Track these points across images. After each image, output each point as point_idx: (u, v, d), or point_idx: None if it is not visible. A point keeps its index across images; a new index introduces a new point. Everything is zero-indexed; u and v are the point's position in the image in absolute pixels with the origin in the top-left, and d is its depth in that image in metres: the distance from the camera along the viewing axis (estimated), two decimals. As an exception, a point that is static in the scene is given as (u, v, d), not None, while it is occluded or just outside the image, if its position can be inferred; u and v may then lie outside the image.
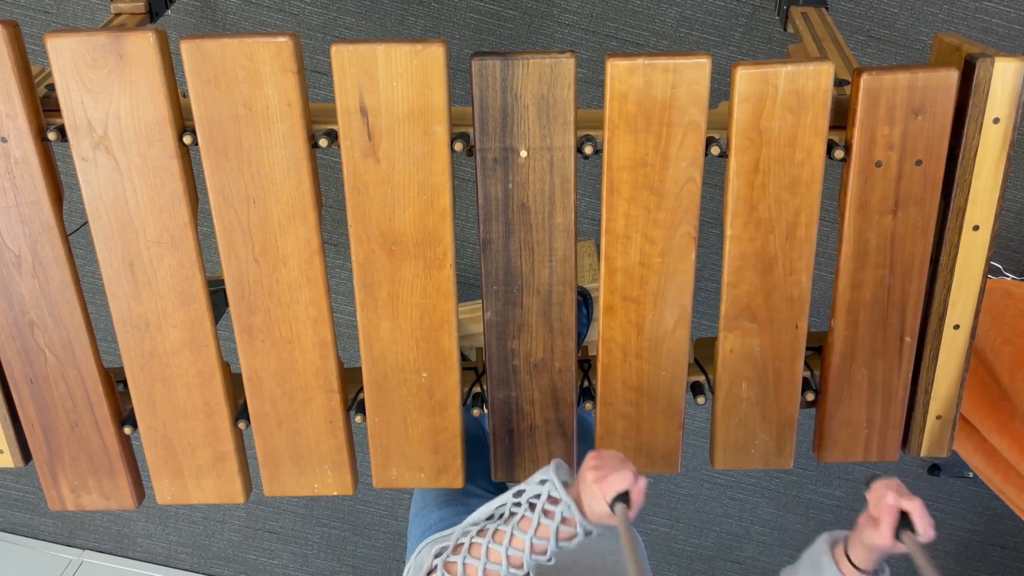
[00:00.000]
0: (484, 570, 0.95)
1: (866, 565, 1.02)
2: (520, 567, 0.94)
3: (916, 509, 0.94)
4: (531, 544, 0.93)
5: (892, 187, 1.13)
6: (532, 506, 0.97)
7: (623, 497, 0.90)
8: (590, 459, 0.95)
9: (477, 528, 0.99)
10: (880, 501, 0.95)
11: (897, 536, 0.95)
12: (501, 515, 1.00)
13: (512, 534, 0.94)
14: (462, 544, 0.98)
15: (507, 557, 0.93)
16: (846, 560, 1.03)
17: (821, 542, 1.06)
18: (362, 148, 1.11)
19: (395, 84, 1.08)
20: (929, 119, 1.09)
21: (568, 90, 1.08)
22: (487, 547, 0.95)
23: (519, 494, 0.98)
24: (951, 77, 1.07)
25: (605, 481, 0.91)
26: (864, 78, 1.07)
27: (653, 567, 2.62)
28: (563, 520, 0.93)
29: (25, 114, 1.10)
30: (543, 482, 0.97)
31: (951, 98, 1.08)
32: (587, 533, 0.94)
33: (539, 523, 0.94)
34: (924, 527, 0.94)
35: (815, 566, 1.05)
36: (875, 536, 0.96)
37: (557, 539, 0.94)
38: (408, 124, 1.10)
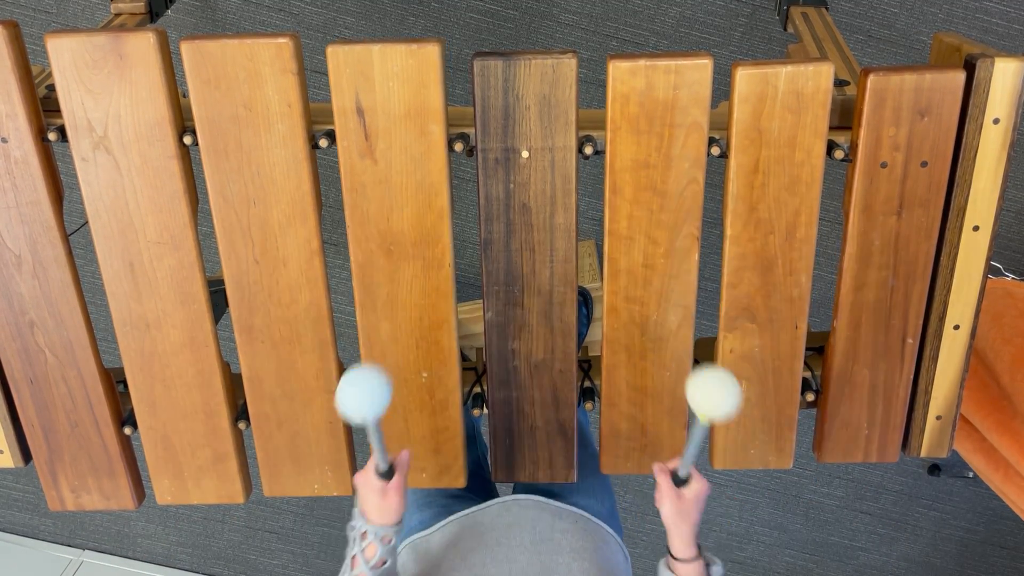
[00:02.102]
0: None
1: (682, 552, 1.08)
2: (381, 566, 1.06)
3: (672, 463, 1.09)
4: (368, 568, 1.06)
5: (897, 188, 1.13)
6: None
7: (388, 474, 1.05)
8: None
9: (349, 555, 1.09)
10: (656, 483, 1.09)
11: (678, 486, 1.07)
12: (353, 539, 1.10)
13: (354, 555, 1.07)
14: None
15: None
16: (669, 557, 1.11)
17: (660, 566, 1.14)
18: (359, 148, 1.11)
19: (391, 84, 1.08)
20: (935, 120, 1.09)
21: (570, 90, 1.08)
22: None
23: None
24: (958, 78, 1.07)
25: (357, 478, 1.08)
26: (871, 79, 1.07)
27: (653, 567, 2.62)
28: (363, 536, 1.06)
29: (25, 114, 1.10)
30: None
31: (957, 99, 1.08)
32: (380, 536, 1.06)
33: (361, 550, 1.07)
34: (681, 465, 1.07)
35: None
36: (660, 505, 1.08)
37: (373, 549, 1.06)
38: (405, 124, 1.10)
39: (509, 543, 1.19)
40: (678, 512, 1.07)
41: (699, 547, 1.10)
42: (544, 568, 1.15)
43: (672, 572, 1.09)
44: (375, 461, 1.05)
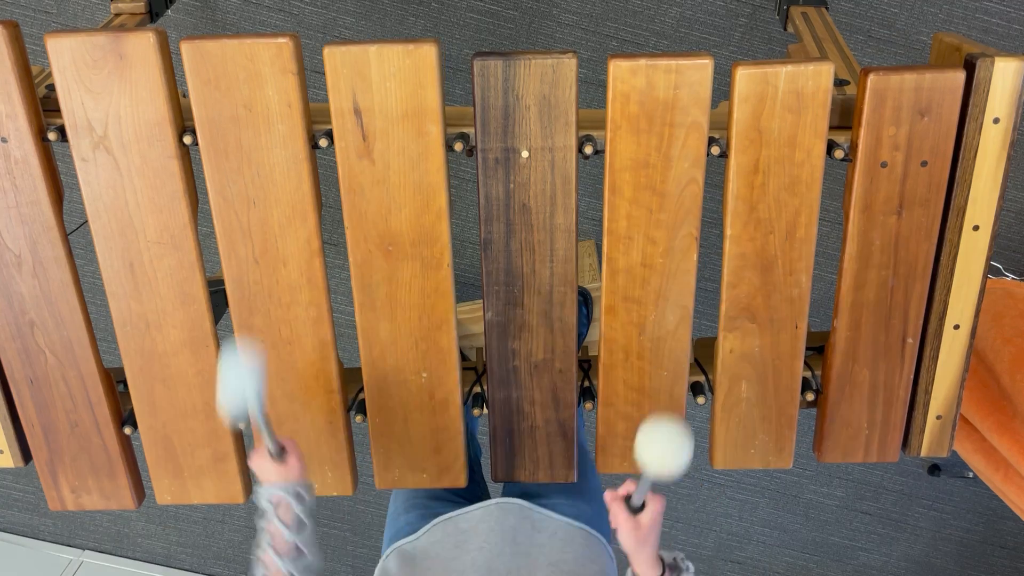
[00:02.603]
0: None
1: (648, 574, 1.06)
2: (295, 551, 1.06)
3: (625, 489, 1.05)
4: (287, 530, 1.06)
5: (897, 188, 1.13)
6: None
7: (280, 455, 1.08)
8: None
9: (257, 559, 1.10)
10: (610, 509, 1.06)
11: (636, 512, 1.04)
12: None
13: (269, 545, 1.07)
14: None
15: (282, 560, 1.06)
16: None
17: None
18: (357, 149, 1.11)
19: (388, 85, 1.08)
20: (935, 120, 1.09)
21: (570, 91, 1.08)
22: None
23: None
24: (958, 78, 1.07)
25: (251, 458, 1.11)
26: (871, 78, 1.07)
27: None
28: (275, 505, 1.07)
29: (25, 114, 1.10)
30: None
31: (957, 99, 1.08)
32: (292, 492, 1.06)
33: (276, 517, 1.07)
34: (635, 493, 1.04)
35: None
36: (617, 534, 1.05)
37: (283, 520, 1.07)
38: (402, 124, 1.10)
39: (490, 550, 1.18)
40: (636, 540, 1.04)
41: (662, 560, 1.07)
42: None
43: None
44: (265, 445, 1.08)
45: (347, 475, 1.32)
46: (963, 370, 1.26)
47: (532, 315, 1.21)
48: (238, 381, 0.99)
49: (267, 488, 1.08)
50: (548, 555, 1.21)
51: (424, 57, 1.06)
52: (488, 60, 1.07)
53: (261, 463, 1.09)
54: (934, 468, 2.42)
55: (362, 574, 2.66)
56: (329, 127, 1.12)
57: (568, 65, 1.07)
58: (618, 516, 1.04)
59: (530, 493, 1.34)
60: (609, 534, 1.34)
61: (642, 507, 1.04)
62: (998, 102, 1.09)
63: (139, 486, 1.36)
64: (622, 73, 1.07)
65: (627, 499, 1.05)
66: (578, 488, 1.36)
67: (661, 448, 0.98)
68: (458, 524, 1.27)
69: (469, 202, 2.06)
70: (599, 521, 1.33)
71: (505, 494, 1.40)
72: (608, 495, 1.06)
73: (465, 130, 1.13)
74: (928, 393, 1.28)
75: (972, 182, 1.14)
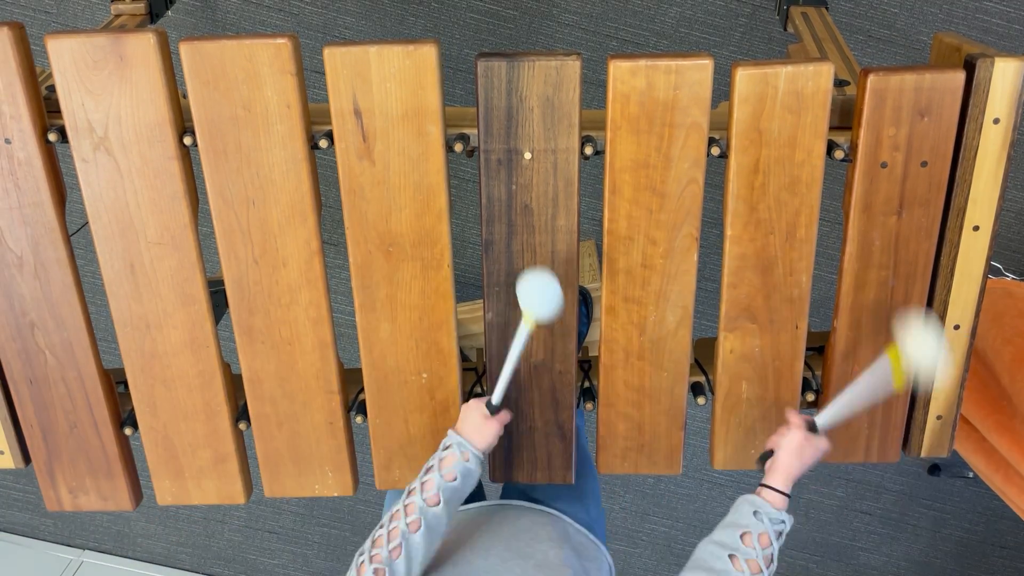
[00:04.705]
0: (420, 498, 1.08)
1: (783, 484, 1.10)
2: (436, 500, 1.07)
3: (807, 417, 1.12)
4: (440, 475, 1.09)
5: (897, 188, 1.13)
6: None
7: (495, 411, 1.14)
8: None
9: (406, 490, 1.11)
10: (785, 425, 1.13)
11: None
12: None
13: (422, 480, 1.09)
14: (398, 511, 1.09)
15: (422, 498, 1.08)
16: (762, 487, 1.11)
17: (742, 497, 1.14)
18: (357, 150, 1.11)
19: (388, 85, 1.08)
20: (935, 120, 1.09)
21: (573, 92, 1.08)
22: (403, 504, 1.08)
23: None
24: (958, 78, 1.07)
25: (467, 403, 1.16)
26: (871, 79, 1.07)
27: (653, 567, 2.63)
28: (446, 448, 1.12)
29: (30, 116, 1.10)
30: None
31: (957, 99, 1.08)
32: (463, 450, 1.11)
33: (439, 458, 1.11)
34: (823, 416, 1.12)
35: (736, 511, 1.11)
36: (786, 437, 1.11)
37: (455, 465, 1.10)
38: (402, 125, 1.10)
39: (490, 549, 1.18)
40: (800, 447, 1.09)
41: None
42: (519, 553, 1.14)
43: (760, 497, 1.09)
44: (493, 396, 1.14)
45: (347, 475, 1.32)
46: (963, 370, 1.26)
47: (532, 315, 1.21)
48: (543, 302, 1.08)
49: (453, 433, 1.13)
50: (548, 556, 1.20)
51: (424, 58, 1.06)
52: (492, 61, 1.07)
53: (472, 407, 1.14)
54: (934, 468, 2.42)
55: (362, 574, 2.66)
56: (329, 128, 1.12)
57: (572, 67, 1.07)
58: (796, 424, 1.11)
59: (529, 494, 1.33)
60: (605, 539, 1.34)
61: (816, 433, 1.11)
62: (998, 102, 1.09)
63: (137, 487, 1.36)
64: (622, 74, 1.07)
65: (809, 421, 1.12)
66: (577, 491, 1.35)
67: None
68: (458, 518, 1.27)
69: (469, 203, 2.06)
70: (596, 527, 1.33)
71: (504, 495, 1.40)
72: (790, 410, 1.14)
73: (465, 131, 1.13)
74: (928, 393, 1.28)
75: (972, 182, 1.14)
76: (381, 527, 1.07)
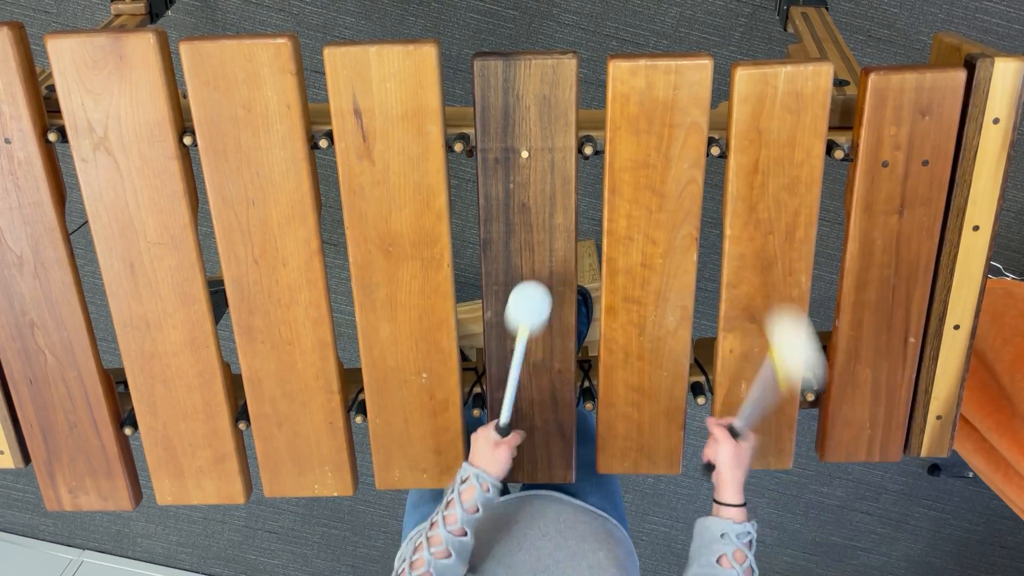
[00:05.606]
0: (437, 539, 1.08)
1: (734, 498, 1.12)
2: (462, 532, 1.08)
3: (727, 420, 1.15)
4: (462, 510, 1.08)
5: (898, 187, 1.13)
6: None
7: (505, 432, 1.13)
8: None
9: (428, 522, 1.12)
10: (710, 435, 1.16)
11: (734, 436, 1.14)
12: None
13: (444, 514, 1.10)
14: (420, 543, 1.10)
15: (447, 531, 1.08)
16: (716, 505, 1.13)
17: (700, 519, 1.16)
18: (357, 150, 1.11)
19: (388, 85, 1.08)
20: (936, 119, 1.09)
21: (570, 91, 1.08)
22: (426, 536, 1.09)
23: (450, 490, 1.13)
24: (959, 77, 1.07)
25: (476, 432, 1.16)
26: (872, 78, 1.07)
27: (653, 567, 2.63)
28: (463, 481, 1.11)
29: (30, 116, 1.10)
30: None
31: (958, 98, 1.08)
32: (480, 480, 1.10)
33: (458, 492, 1.10)
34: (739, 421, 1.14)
35: (700, 535, 1.13)
36: (716, 452, 1.14)
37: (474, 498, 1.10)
38: (402, 125, 1.10)
39: (533, 532, 1.19)
40: (736, 456, 1.12)
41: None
42: (572, 553, 1.15)
43: (719, 517, 1.11)
44: (500, 418, 1.13)
45: (347, 475, 1.32)
46: (963, 370, 1.26)
47: (532, 315, 1.21)
48: (529, 310, 1.09)
49: (468, 465, 1.12)
50: (594, 532, 1.22)
51: (424, 57, 1.06)
52: (488, 60, 1.07)
53: (481, 436, 1.14)
54: (934, 468, 2.42)
55: (362, 574, 2.66)
56: (329, 127, 1.12)
57: (568, 65, 1.07)
58: (721, 436, 1.13)
59: (561, 489, 1.33)
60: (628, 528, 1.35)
61: (740, 436, 1.13)
62: (998, 102, 1.09)
63: (136, 487, 1.36)
64: (622, 73, 1.07)
65: (730, 427, 1.14)
66: (605, 488, 1.37)
67: (793, 351, 1.04)
68: (496, 510, 1.26)
69: (469, 202, 2.06)
70: (624, 523, 1.35)
71: (532, 485, 1.40)
72: (710, 420, 1.16)
73: (465, 130, 1.13)
74: (928, 393, 1.28)
75: (972, 182, 1.14)
76: (403, 560, 1.09)
